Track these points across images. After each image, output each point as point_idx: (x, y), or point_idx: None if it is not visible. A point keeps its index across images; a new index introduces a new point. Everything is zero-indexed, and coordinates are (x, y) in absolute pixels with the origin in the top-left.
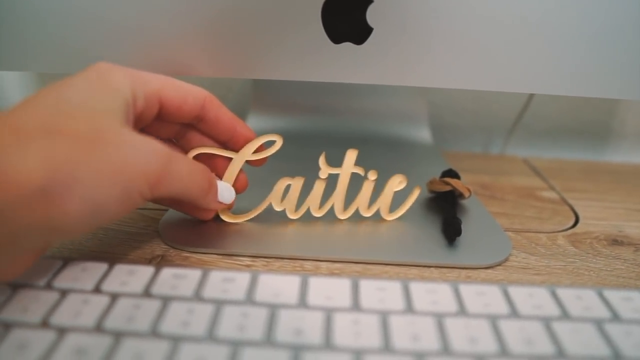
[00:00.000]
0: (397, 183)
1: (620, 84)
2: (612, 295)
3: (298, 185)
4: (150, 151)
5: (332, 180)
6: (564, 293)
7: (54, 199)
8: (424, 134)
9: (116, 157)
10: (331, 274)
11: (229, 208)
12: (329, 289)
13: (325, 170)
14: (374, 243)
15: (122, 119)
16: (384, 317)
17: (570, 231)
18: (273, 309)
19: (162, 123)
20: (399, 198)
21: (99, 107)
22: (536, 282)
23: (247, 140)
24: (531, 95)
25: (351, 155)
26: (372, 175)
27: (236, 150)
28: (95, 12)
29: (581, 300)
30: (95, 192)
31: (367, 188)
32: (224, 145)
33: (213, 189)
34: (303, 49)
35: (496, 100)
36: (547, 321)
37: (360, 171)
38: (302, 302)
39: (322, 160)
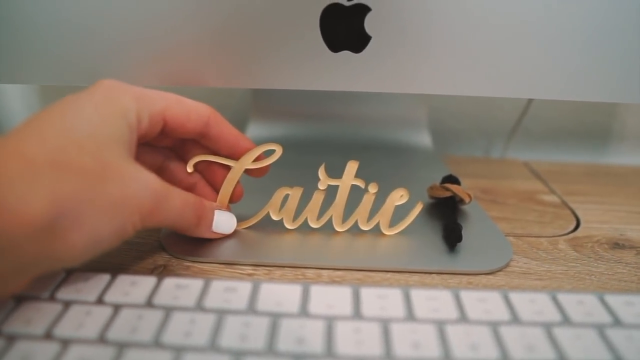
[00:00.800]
0: (398, 197)
1: (619, 88)
2: (613, 300)
3: (296, 195)
4: (146, 187)
5: (331, 191)
6: (565, 298)
7: (60, 232)
8: (424, 139)
9: (116, 194)
10: (332, 282)
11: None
12: (330, 298)
13: (324, 182)
14: (374, 250)
15: (126, 149)
16: (385, 325)
17: (571, 235)
18: (275, 318)
19: (163, 137)
20: (400, 211)
21: (105, 138)
22: (537, 288)
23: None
24: (530, 100)
25: (352, 167)
26: (373, 188)
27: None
28: (97, 24)
29: (582, 305)
30: (96, 227)
31: (367, 201)
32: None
33: (203, 223)
34: (302, 58)
35: (496, 104)
36: (548, 327)
37: (360, 183)
38: (304, 311)
39: (321, 172)
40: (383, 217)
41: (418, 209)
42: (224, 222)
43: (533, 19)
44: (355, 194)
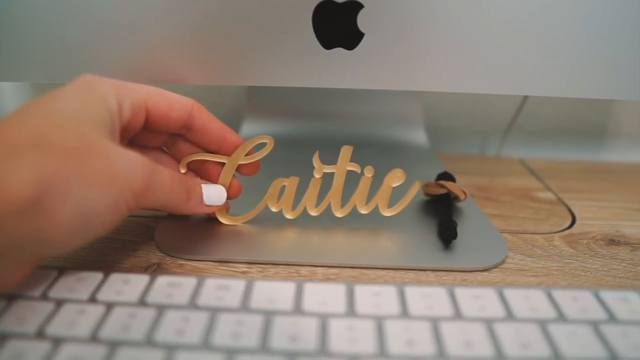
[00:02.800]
0: (395, 178)
1: (614, 84)
2: (608, 296)
3: (293, 184)
4: (134, 163)
5: (328, 180)
6: (560, 295)
7: (45, 211)
8: (419, 137)
9: (104, 170)
10: (327, 279)
11: (225, 209)
12: (324, 295)
13: (319, 169)
14: (369, 248)
15: (107, 131)
16: (379, 322)
17: (567, 232)
18: (268, 315)
19: (150, 133)
20: (396, 195)
21: (87, 119)
22: (533, 284)
23: (236, 148)
24: (525, 97)
25: (346, 152)
26: (369, 172)
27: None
28: (89, 22)
29: (577, 301)
30: (85, 204)
31: (365, 184)
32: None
33: (193, 197)
34: (294, 55)
35: (491, 102)
36: (543, 323)
37: (356, 168)
38: (297, 309)
39: (316, 159)
40: (381, 198)
41: (415, 187)
42: (213, 193)
43: (529, 16)
44: (351, 181)
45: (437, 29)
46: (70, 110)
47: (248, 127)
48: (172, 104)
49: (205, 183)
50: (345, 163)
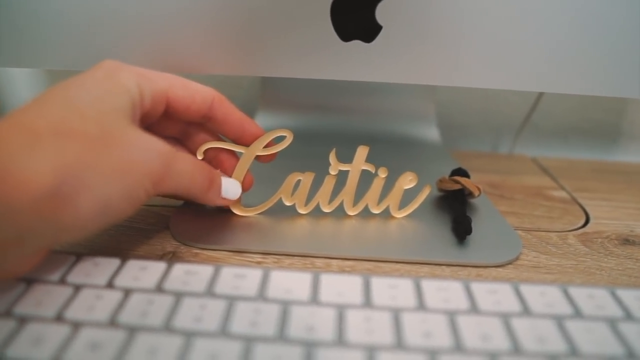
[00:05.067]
0: (407, 181)
1: (630, 83)
2: (625, 294)
3: (308, 180)
4: (154, 151)
5: (342, 178)
6: (576, 292)
7: (64, 200)
8: (432, 133)
9: (123, 158)
10: (342, 271)
11: (238, 200)
12: (340, 286)
13: (335, 167)
14: (384, 241)
15: (128, 118)
16: (396, 314)
17: (580, 230)
18: (285, 305)
19: (168, 121)
20: (408, 196)
21: (107, 107)
22: (547, 281)
23: (256, 139)
24: (540, 95)
25: (362, 152)
26: (383, 173)
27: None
28: (104, 7)
29: (593, 299)
30: (103, 192)
31: (377, 185)
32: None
33: (214, 187)
34: (312, 47)
35: (505, 99)
36: (559, 319)
37: (370, 168)
38: (314, 299)
39: (332, 157)
40: (392, 200)
41: (426, 191)
42: (231, 187)
43: (545, 11)
44: (365, 180)
45: (455, 23)
46: (91, 97)
47: (261, 119)
48: (193, 95)
49: (223, 175)
50: (360, 163)
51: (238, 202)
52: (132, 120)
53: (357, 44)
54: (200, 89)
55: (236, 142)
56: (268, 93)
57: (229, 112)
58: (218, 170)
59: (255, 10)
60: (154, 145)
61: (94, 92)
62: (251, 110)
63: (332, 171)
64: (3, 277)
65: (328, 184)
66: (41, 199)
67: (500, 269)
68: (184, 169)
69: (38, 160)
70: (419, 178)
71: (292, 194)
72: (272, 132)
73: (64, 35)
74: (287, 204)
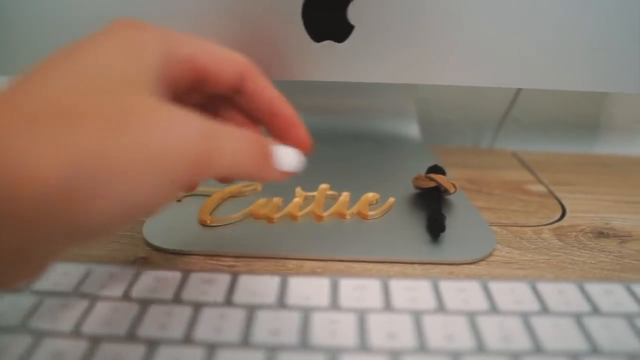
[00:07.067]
0: (370, 197)
1: (606, 77)
2: (593, 288)
3: (277, 202)
4: (191, 128)
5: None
6: (545, 287)
7: (77, 197)
8: (413, 130)
9: (150, 141)
10: (313, 272)
11: (208, 210)
12: (308, 289)
13: (301, 195)
14: (357, 241)
15: (153, 89)
16: (362, 316)
17: (556, 224)
18: (251, 309)
19: (190, 93)
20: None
21: (126, 78)
22: (519, 277)
23: (288, 124)
24: (519, 89)
25: (323, 191)
26: (346, 196)
27: (275, 133)
28: (78, 16)
29: (562, 294)
30: (127, 185)
31: (344, 198)
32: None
33: (268, 163)
34: (284, 48)
35: (485, 94)
36: (525, 316)
37: (334, 192)
38: (281, 302)
39: (298, 190)
40: (361, 207)
41: (390, 202)
42: (289, 155)
43: (520, 7)
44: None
45: (427, 21)
46: (103, 65)
47: None
48: (222, 64)
49: (276, 143)
50: (325, 189)
51: (208, 211)
52: (157, 91)
53: (329, 44)
54: (231, 57)
55: (265, 124)
56: None
57: (260, 88)
58: (271, 140)
59: (226, 13)
60: (191, 121)
61: (108, 58)
62: None
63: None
64: (7, 288)
65: (296, 202)
66: (49, 197)
67: (472, 266)
68: (229, 145)
69: (43, 149)
70: (399, 174)
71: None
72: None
73: (40, 43)
74: (257, 219)
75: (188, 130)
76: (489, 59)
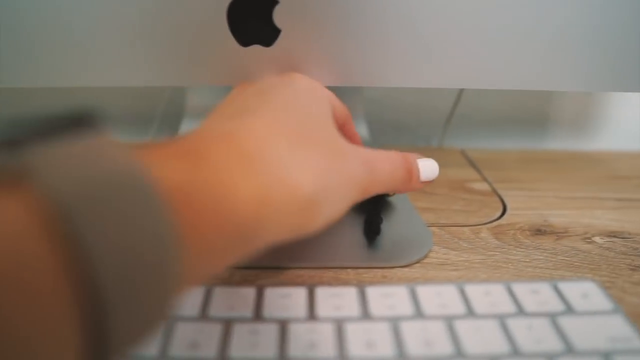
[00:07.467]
0: None
1: (550, 75)
2: (520, 288)
3: None
4: (361, 159)
5: None
6: (473, 290)
7: (316, 209)
8: (361, 131)
9: (347, 168)
10: (244, 281)
11: None
12: (231, 300)
13: None
14: (290, 247)
15: (336, 127)
16: (283, 325)
17: (495, 223)
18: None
19: None
20: None
21: (327, 119)
22: (453, 278)
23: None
24: (461, 89)
25: None
26: None
27: None
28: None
29: (489, 296)
30: (338, 203)
31: None
32: None
33: (414, 177)
34: (211, 54)
35: (437, 92)
36: (449, 320)
37: None
38: (203, 314)
39: None
40: None
41: None
42: (429, 167)
43: (463, 6)
44: None
45: (354, 22)
46: (312, 109)
47: (187, 126)
48: (345, 112)
49: (418, 157)
50: None
51: None
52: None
53: (257, 48)
54: (341, 106)
55: None
56: (192, 100)
57: (352, 132)
58: (412, 155)
59: (151, 20)
60: (360, 153)
61: (305, 100)
62: (177, 116)
63: None
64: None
65: None
66: (302, 206)
67: (406, 269)
68: (384, 168)
69: (299, 165)
70: None
71: None
72: None
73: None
74: None
75: (360, 161)
76: (431, 60)
